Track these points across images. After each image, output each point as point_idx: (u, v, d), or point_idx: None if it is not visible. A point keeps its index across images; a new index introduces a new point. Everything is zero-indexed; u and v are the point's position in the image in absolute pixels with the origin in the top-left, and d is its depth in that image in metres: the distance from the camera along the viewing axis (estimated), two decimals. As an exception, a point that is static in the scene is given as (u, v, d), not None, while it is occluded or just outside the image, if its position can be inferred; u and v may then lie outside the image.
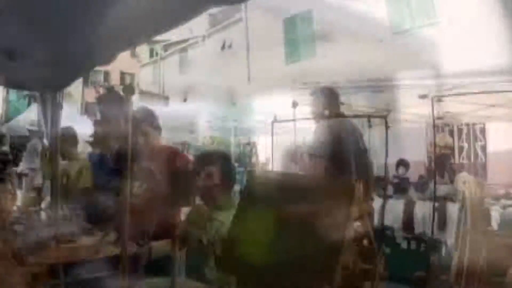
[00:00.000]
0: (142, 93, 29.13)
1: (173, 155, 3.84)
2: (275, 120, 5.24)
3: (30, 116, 15.05)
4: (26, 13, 3.46)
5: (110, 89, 4.60)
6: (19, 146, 19.42)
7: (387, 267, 1.45)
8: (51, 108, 5.68)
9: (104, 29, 3.45)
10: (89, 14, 3.35)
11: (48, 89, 5.57)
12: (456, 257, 2.34)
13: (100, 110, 4.49)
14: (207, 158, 2.97)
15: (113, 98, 4.35)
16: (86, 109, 27.17)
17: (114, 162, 4.15)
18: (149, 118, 3.96)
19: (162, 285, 1.67)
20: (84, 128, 7.31)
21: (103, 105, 4.47)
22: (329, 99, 4.19)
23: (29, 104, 21.87)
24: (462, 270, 1.75)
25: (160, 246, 2.98)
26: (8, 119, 26.23)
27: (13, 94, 22.49)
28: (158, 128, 3.97)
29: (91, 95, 26.85)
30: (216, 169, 2.85)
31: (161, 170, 3.42)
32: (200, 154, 2.74)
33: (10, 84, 6.61)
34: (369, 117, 8.80)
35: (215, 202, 2.82)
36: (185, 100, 25.94)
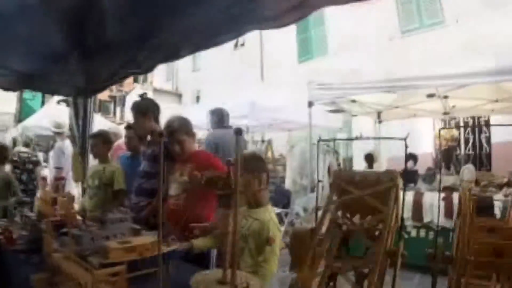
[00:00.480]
0: (156, 90, 29.36)
1: (208, 159, 4.02)
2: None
3: (44, 115, 14.54)
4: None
5: (142, 96, 4.77)
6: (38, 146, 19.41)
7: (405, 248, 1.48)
8: (82, 113, 6.07)
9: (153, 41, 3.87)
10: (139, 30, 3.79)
11: (80, 95, 5.99)
12: (454, 238, 2.77)
13: (134, 116, 4.64)
14: (255, 163, 3.08)
15: (147, 103, 4.68)
16: (100, 108, 27.46)
17: (149, 165, 4.49)
18: (184, 127, 4.09)
19: (213, 277, 1.94)
20: (99, 126, 7.52)
21: (135, 112, 4.63)
22: (217, 117, 4.55)
23: (42, 104, 21.61)
24: (458, 250, 2.10)
25: (200, 242, 3.23)
26: (22, 117, 26.29)
27: (28, 93, 21.93)
28: (192, 135, 4.12)
29: (105, 94, 27.15)
30: (264, 174, 3.06)
31: (196, 174, 3.42)
32: (249, 160, 2.93)
33: (45, 90, 6.88)
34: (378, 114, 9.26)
35: (257, 202, 3.03)
36: (198, 97, 26.15)
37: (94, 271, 1.86)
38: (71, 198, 2.79)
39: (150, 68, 4.84)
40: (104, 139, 5.36)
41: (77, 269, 2.08)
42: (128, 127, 5.57)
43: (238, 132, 1.58)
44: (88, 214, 4.51)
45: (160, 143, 4.27)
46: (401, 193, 1.34)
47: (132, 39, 4.09)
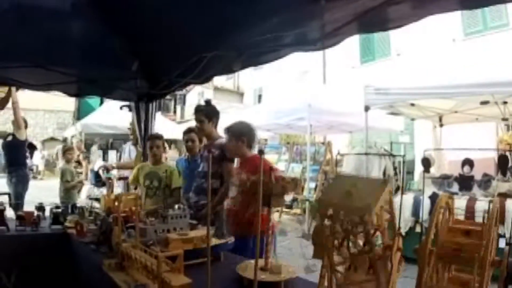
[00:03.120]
0: (217, 89, 29.81)
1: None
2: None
3: (103, 114, 15.21)
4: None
5: (208, 101, 5.12)
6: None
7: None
8: (144, 116, 6.48)
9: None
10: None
11: (142, 100, 6.40)
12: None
13: (198, 119, 4.97)
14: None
15: (212, 109, 5.04)
16: (160, 107, 28.07)
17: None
18: (236, 133, 4.34)
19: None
20: (160, 125, 7.79)
21: (200, 116, 4.95)
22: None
23: (101, 102, 22.03)
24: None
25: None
26: (81, 116, 27.16)
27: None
28: (245, 141, 4.32)
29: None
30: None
31: (243, 178, 3.80)
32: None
33: (109, 95, 7.35)
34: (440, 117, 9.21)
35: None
36: (259, 96, 26.47)
37: (158, 254, 2.17)
38: (137, 196, 3.14)
39: (207, 79, 5.18)
40: (163, 141, 5.74)
41: (144, 255, 2.45)
42: (189, 130, 5.89)
43: (261, 152, 1.86)
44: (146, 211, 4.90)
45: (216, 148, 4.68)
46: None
47: (192, 51, 4.44)
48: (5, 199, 6.99)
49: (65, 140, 21.05)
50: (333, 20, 3.13)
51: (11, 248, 4.01)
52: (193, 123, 5.52)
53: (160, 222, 3.20)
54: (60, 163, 21.39)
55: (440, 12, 2.63)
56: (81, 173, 11.02)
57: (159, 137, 5.68)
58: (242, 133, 4.32)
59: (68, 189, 7.88)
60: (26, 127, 7.69)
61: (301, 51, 3.76)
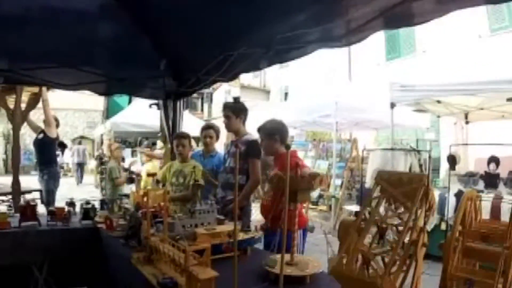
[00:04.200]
0: (244, 87, 29.85)
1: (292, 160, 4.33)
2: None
3: (132, 113, 15.37)
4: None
5: (236, 99, 5.19)
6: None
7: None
8: (172, 114, 6.56)
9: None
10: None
11: (170, 98, 6.49)
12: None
13: (226, 115, 5.03)
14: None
15: (241, 106, 5.11)
16: (188, 105, 28.26)
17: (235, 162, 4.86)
18: (267, 130, 4.42)
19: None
20: (188, 123, 7.91)
21: (229, 112, 5.02)
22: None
23: (130, 101, 22.16)
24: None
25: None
26: (109, 114, 27.38)
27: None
28: (276, 138, 4.36)
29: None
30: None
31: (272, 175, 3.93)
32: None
33: (137, 94, 7.46)
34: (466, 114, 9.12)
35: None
36: (286, 94, 26.45)
37: (186, 248, 2.23)
38: (166, 192, 3.20)
39: (233, 77, 5.20)
40: (189, 140, 5.78)
41: (172, 249, 2.50)
42: (207, 127, 6.03)
43: (287, 147, 1.90)
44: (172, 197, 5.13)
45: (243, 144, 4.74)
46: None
47: (218, 49, 4.50)
48: (37, 195, 7.20)
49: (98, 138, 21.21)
50: (358, 16, 3.14)
51: (42, 242, 4.13)
52: (220, 121, 5.58)
53: (188, 217, 3.27)
54: (91, 163, 21.76)
55: (464, 7, 2.62)
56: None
57: (184, 136, 5.73)
58: (274, 131, 4.39)
59: (117, 186, 8.10)
60: (57, 125, 7.85)
61: (326, 48, 3.79)
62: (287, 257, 2.48)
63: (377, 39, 16.87)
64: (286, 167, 1.86)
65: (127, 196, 4.84)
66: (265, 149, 4.55)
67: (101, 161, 15.40)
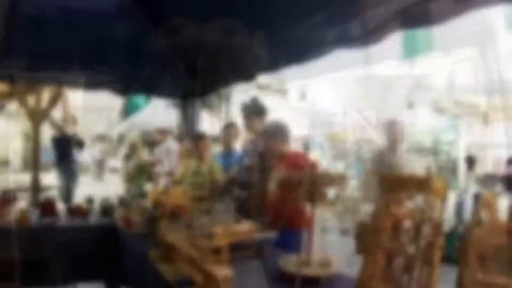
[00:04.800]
0: (261, 87, 29.74)
1: (295, 161, 4.31)
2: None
3: (151, 112, 14.63)
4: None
5: (255, 99, 5.19)
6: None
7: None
8: (190, 114, 6.58)
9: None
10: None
11: (188, 98, 6.50)
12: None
13: (247, 116, 5.06)
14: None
15: (261, 106, 5.10)
16: (205, 104, 28.13)
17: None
18: (279, 135, 4.37)
19: (299, 259, 2.31)
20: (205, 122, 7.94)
21: (250, 112, 5.04)
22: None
23: (147, 100, 21.70)
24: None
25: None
26: (127, 114, 27.43)
27: (133, 89, 22.52)
28: (287, 142, 4.37)
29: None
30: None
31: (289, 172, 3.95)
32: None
33: (155, 94, 7.46)
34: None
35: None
36: (303, 94, 26.35)
37: (203, 247, 2.29)
38: (184, 192, 3.21)
39: (251, 77, 5.30)
40: (207, 140, 5.77)
41: (189, 247, 2.54)
42: (227, 126, 5.96)
43: (306, 147, 1.90)
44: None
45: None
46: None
47: (236, 50, 4.50)
48: (55, 192, 7.29)
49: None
50: (376, 16, 3.13)
51: (61, 238, 4.19)
52: (238, 121, 5.60)
53: (206, 216, 3.28)
54: (110, 161, 21.85)
55: (483, 6, 2.60)
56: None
57: (201, 136, 5.75)
58: (275, 132, 4.38)
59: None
60: (75, 124, 7.93)
61: (344, 48, 3.78)
62: (303, 257, 2.49)
63: (395, 39, 16.71)
64: (302, 166, 1.87)
65: (145, 194, 4.88)
66: (269, 151, 4.53)
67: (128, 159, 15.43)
